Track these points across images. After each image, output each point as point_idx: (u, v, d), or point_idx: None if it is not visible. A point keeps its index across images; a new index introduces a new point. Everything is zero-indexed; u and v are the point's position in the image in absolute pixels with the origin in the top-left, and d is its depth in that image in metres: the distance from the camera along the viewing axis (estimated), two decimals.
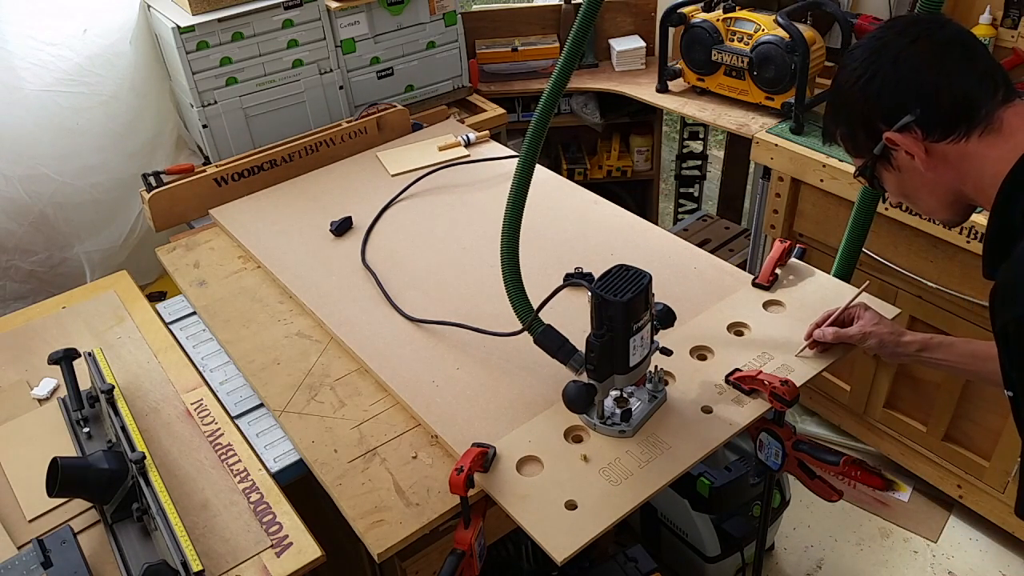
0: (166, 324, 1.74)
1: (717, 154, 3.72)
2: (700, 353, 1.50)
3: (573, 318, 1.45)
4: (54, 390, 1.56)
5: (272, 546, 1.24)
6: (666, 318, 1.37)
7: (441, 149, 2.22)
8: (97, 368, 1.49)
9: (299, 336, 1.65)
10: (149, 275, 2.38)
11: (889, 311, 1.51)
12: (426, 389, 1.47)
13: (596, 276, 1.25)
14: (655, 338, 1.32)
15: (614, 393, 1.36)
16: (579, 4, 1.72)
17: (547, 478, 1.27)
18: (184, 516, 1.26)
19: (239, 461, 1.38)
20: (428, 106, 2.57)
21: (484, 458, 1.27)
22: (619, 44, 2.81)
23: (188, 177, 2.08)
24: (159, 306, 1.82)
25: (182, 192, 2.06)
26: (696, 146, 3.31)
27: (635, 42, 2.82)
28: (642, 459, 1.29)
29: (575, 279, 1.60)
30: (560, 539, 1.17)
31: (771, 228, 2.36)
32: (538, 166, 1.50)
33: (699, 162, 3.31)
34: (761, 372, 1.37)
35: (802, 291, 1.61)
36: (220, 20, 2.16)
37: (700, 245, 2.13)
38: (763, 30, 2.28)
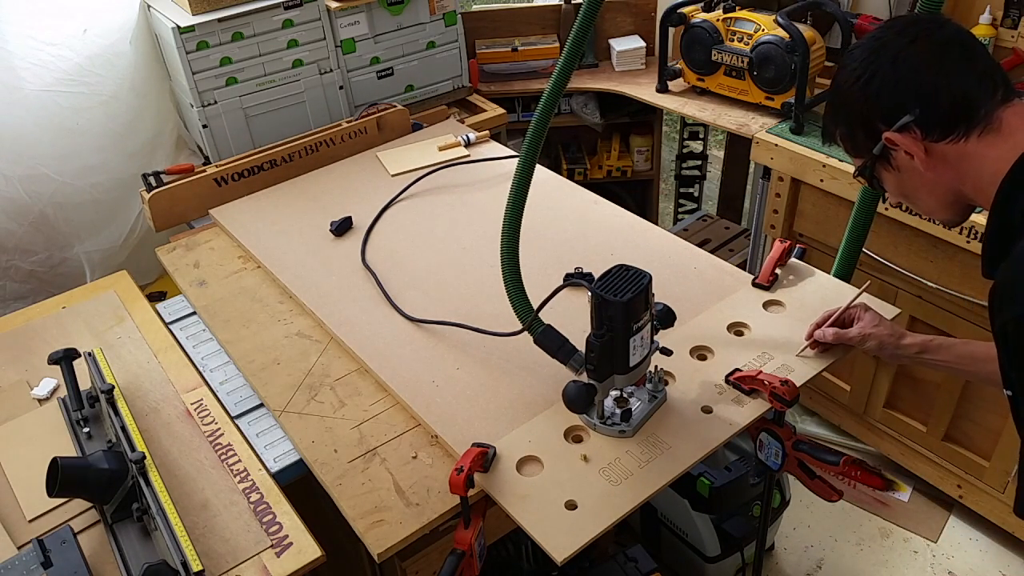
0: (166, 324, 1.74)
1: (717, 154, 3.72)
2: (700, 353, 1.50)
3: (573, 318, 1.45)
4: (54, 390, 1.56)
5: (272, 546, 1.24)
6: (666, 318, 1.37)
7: (441, 149, 2.22)
8: (97, 368, 1.50)
9: (299, 336, 1.65)
10: (149, 275, 2.38)
11: (889, 311, 1.51)
12: (426, 389, 1.47)
13: (596, 276, 1.25)
14: (655, 338, 1.32)
15: (614, 393, 1.36)
16: (579, 4, 1.72)
17: (547, 478, 1.27)
18: (184, 516, 1.26)
19: (239, 461, 1.38)
20: (428, 106, 2.57)
21: (484, 458, 1.27)
22: (619, 44, 2.81)
23: (188, 177, 2.08)
24: (159, 306, 1.82)
25: (182, 192, 2.06)
26: (696, 146, 3.31)
27: (635, 42, 2.82)
28: (642, 459, 1.29)
29: (575, 279, 1.60)
30: (560, 539, 1.17)
31: (771, 228, 2.36)
32: (538, 166, 1.50)
33: (699, 162, 3.31)
34: (761, 372, 1.37)
35: (802, 291, 1.61)
36: (220, 20, 2.16)
37: (700, 245, 2.13)
38: (763, 30, 2.28)
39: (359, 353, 1.57)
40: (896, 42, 1.07)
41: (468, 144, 2.25)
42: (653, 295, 1.26)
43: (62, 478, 1.21)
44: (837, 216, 2.16)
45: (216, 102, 2.25)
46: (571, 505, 1.22)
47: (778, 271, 1.64)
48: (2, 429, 1.48)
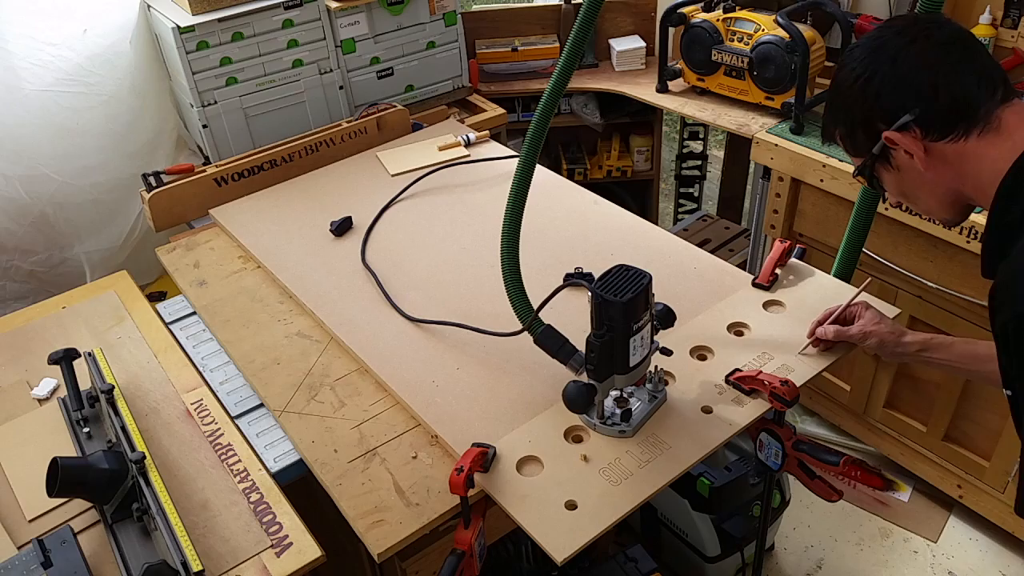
0: (166, 324, 1.74)
1: (717, 154, 3.72)
2: (700, 353, 1.50)
3: (573, 318, 1.45)
4: (54, 390, 1.56)
5: (272, 546, 1.24)
6: (666, 318, 1.37)
7: (441, 149, 2.22)
8: (97, 368, 1.50)
9: (299, 336, 1.65)
10: (149, 275, 2.38)
11: (889, 311, 1.51)
12: (426, 389, 1.47)
13: (596, 276, 1.25)
14: (655, 338, 1.32)
15: (614, 393, 1.35)
16: (579, 4, 1.72)
17: (547, 478, 1.27)
18: (184, 516, 1.26)
19: (239, 461, 1.38)
20: (428, 106, 2.57)
21: (484, 458, 1.27)
22: (619, 44, 2.81)
23: (188, 177, 2.08)
24: (159, 306, 1.82)
25: (182, 192, 2.06)
26: (696, 146, 3.31)
27: (635, 42, 2.82)
28: (642, 459, 1.29)
29: (575, 279, 1.60)
30: (560, 539, 1.17)
31: (771, 228, 2.36)
32: (538, 166, 1.50)
33: (699, 162, 3.31)
34: (761, 372, 1.37)
35: (802, 291, 1.61)
36: (220, 20, 2.16)
37: (700, 245, 2.13)
38: (763, 30, 2.28)
39: (359, 353, 1.57)
40: (896, 42, 1.07)
41: (468, 144, 2.25)
42: (653, 295, 1.26)
43: (62, 478, 1.21)
44: (837, 216, 2.16)
45: (216, 102, 2.25)
46: (571, 505, 1.22)
47: (778, 271, 1.64)
48: (2, 429, 1.48)
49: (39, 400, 1.54)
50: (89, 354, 1.53)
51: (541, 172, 2.02)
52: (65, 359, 1.48)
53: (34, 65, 2.12)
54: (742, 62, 2.34)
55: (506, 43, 2.85)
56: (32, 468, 1.33)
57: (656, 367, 1.38)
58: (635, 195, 3.23)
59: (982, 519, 2.22)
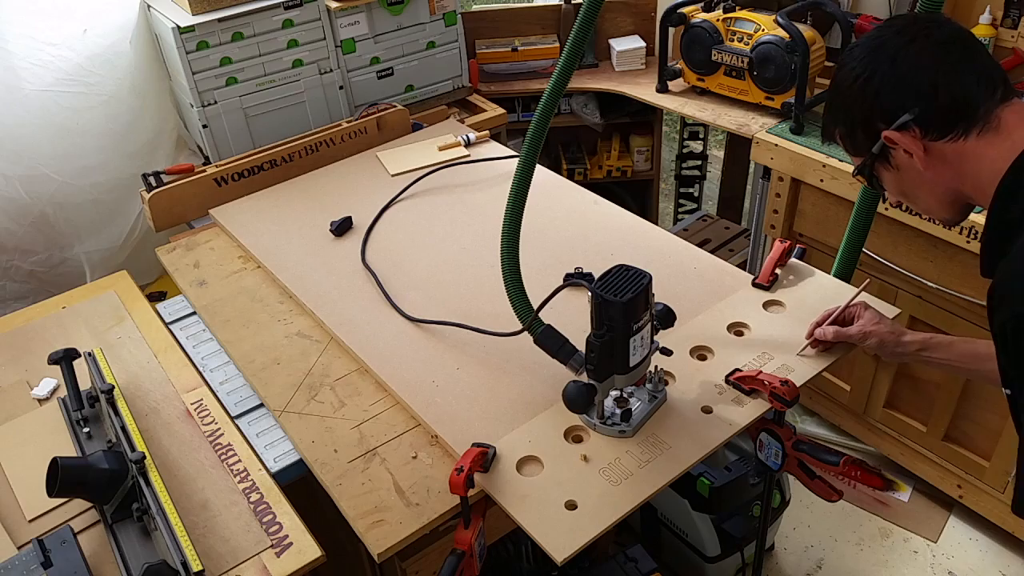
0: (166, 324, 1.74)
1: (717, 154, 3.72)
2: (700, 353, 1.50)
3: (573, 318, 1.45)
4: (54, 390, 1.56)
5: (272, 546, 1.24)
6: (666, 318, 1.37)
7: (441, 149, 2.22)
8: (97, 368, 1.50)
9: (299, 336, 1.65)
10: (149, 275, 2.38)
11: (889, 311, 1.51)
12: (426, 389, 1.47)
13: (596, 276, 1.25)
14: (655, 338, 1.32)
15: (614, 393, 1.35)
16: (579, 4, 1.72)
17: (547, 478, 1.27)
18: (184, 516, 1.26)
19: (239, 461, 1.38)
20: (428, 106, 2.57)
21: (484, 458, 1.27)
22: (619, 44, 2.81)
23: (188, 177, 2.08)
24: (159, 306, 1.82)
25: (182, 192, 2.06)
26: (696, 146, 3.31)
27: (635, 42, 2.82)
28: (642, 459, 1.29)
29: (575, 279, 1.60)
30: (560, 539, 1.17)
31: (771, 228, 2.36)
32: (538, 166, 1.50)
33: (699, 162, 3.31)
34: (761, 372, 1.37)
35: (802, 291, 1.61)
36: (220, 20, 2.16)
37: (700, 245, 2.13)
38: (763, 30, 2.28)
39: (359, 353, 1.57)
40: (895, 41, 1.07)
41: (468, 144, 2.25)
42: (653, 295, 1.26)
43: (62, 478, 1.21)
44: (837, 216, 2.16)
45: (216, 102, 2.25)
46: (571, 505, 1.22)
47: (778, 271, 1.64)
48: (2, 429, 1.48)
49: (39, 400, 1.54)
50: (89, 354, 1.53)
51: (541, 172, 2.02)
52: (65, 359, 1.48)
53: (34, 65, 2.12)
54: (742, 62, 2.34)
55: (506, 43, 2.86)
56: (32, 468, 1.33)
57: (656, 367, 1.38)
58: (635, 195, 3.23)
59: (982, 519, 2.22)
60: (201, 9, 2.15)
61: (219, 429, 1.45)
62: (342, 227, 1.92)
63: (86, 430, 1.43)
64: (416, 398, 1.45)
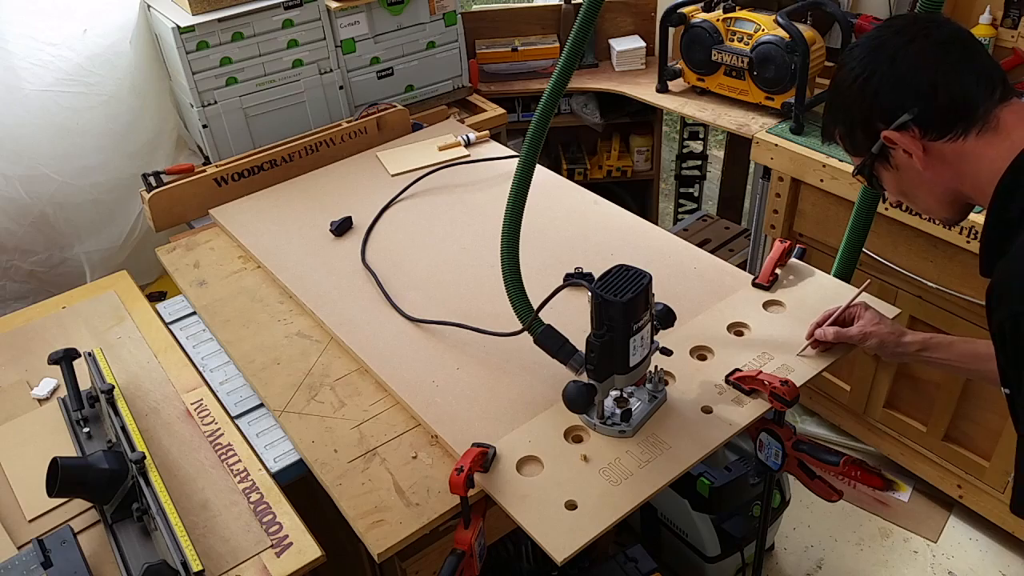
0: (166, 324, 1.74)
1: (717, 154, 3.72)
2: (700, 353, 1.50)
3: (573, 318, 1.45)
4: (54, 390, 1.56)
5: (272, 546, 1.24)
6: (666, 318, 1.37)
7: (441, 149, 2.22)
8: (97, 368, 1.50)
9: (299, 336, 1.66)
10: (149, 275, 2.38)
11: (889, 311, 1.51)
12: (426, 389, 1.47)
13: (596, 276, 1.25)
14: (655, 338, 1.32)
15: (614, 393, 1.36)
16: (579, 4, 1.72)
17: (547, 478, 1.27)
18: (184, 516, 1.26)
19: (239, 461, 1.38)
20: (428, 106, 2.58)
21: (484, 458, 1.27)
22: (619, 44, 2.81)
23: (188, 177, 2.08)
24: (159, 306, 1.82)
25: (182, 192, 2.06)
26: (696, 146, 3.31)
27: (635, 42, 2.82)
28: (642, 459, 1.29)
29: (575, 279, 1.60)
30: (560, 539, 1.17)
31: (771, 228, 2.36)
32: (538, 166, 1.50)
33: (699, 162, 3.31)
34: (761, 372, 1.37)
35: (802, 291, 1.61)
36: (220, 20, 2.16)
37: (700, 245, 2.13)
38: (763, 30, 2.28)
39: (359, 353, 1.57)
40: (894, 41, 1.07)
41: (468, 144, 2.25)
42: (653, 295, 1.26)
43: (62, 478, 1.21)
44: (837, 216, 2.16)
45: (216, 102, 2.25)
46: (571, 505, 1.22)
47: (778, 271, 1.64)
48: (2, 429, 1.48)
49: (39, 400, 1.54)
50: (89, 354, 1.53)
51: (541, 172, 2.02)
52: (65, 359, 1.48)
53: (34, 65, 2.12)
54: (742, 62, 2.34)
55: (506, 43, 2.86)
56: (32, 468, 1.33)
57: (656, 367, 1.38)
58: (635, 195, 3.23)
59: (982, 519, 2.22)
60: (201, 9, 2.15)
61: (219, 429, 1.45)
62: (342, 227, 1.92)
63: (86, 430, 1.43)
64: (416, 398, 1.45)
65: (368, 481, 1.32)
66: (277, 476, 1.37)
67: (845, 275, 1.61)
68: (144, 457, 1.27)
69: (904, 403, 2.28)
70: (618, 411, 1.34)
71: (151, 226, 2.08)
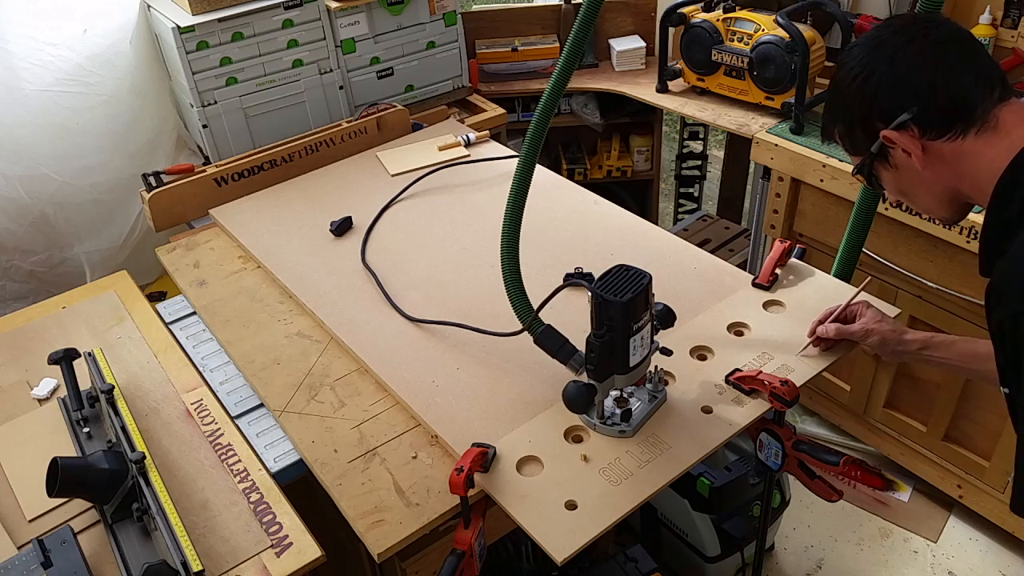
0: (166, 324, 1.74)
1: (717, 154, 3.72)
2: (700, 353, 1.50)
3: (573, 318, 1.45)
4: (54, 390, 1.56)
5: (272, 546, 1.24)
6: (666, 318, 1.37)
7: (441, 149, 2.22)
8: (97, 368, 1.50)
9: (299, 336, 1.66)
10: (149, 275, 2.38)
11: (889, 311, 1.51)
12: (426, 389, 1.47)
13: (596, 276, 1.25)
14: (655, 338, 1.32)
15: (614, 393, 1.36)
16: (579, 4, 1.72)
17: (547, 478, 1.27)
18: (184, 516, 1.26)
19: (239, 461, 1.38)
20: (428, 106, 2.58)
21: (484, 458, 1.27)
22: (619, 44, 2.81)
23: (188, 177, 2.08)
24: (159, 306, 1.82)
25: (182, 192, 2.06)
26: (696, 146, 3.31)
27: (635, 42, 2.82)
28: (642, 459, 1.29)
29: (575, 279, 1.60)
30: (560, 539, 1.17)
31: (771, 228, 2.36)
32: (538, 166, 1.50)
33: (699, 162, 3.31)
34: (761, 372, 1.37)
35: (802, 291, 1.61)
36: (220, 20, 2.16)
37: (700, 245, 2.13)
38: (763, 30, 2.28)
39: (359, 353, 1.57)
40: (893, 41, 1.08)
41: (468, 144, 2.25)
42: (653, 295, 1.26)
43: (62, 478, 1.21)
44: (837, 216, 2.16)
45: (216, 102, 2.26)
46: (571, 505, 1.22)
47: (778, 271, 1.64)
48: (2, 429, 1.48)
49: (39, 400, 1.55)
50: (89, 354, 1.53)
51: (541, 172, 2.02)
52: (65, 359, 1.48)
53: (34, 65, 2.13)
54: (742, 62, 2.34)
55: (506, 43, 2.86)
56: (32, 468, 1.33)
57: (656, 367, 1.38)
58: (635, 195, 3.23)
59: (982, 519, 2.22)
60: (201, 9, 2.15)
61: (219, 429, 1.45)
62: (342, 227, 1.92)
63: (86, 430, 1.43)
64: (416, 398, 1.45)
65: (368, 481, 1.32)
66: (277, 476, 1.37)
67: (845, 275, 1.61)
68: (144, 457, 1.27)
69: (904, 403, 2.28)
70: (618, 411, 1.34)
71: (151, 226, 2.08)
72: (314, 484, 1.37)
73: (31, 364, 1.63)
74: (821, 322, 1.46)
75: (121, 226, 2.34)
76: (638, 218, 1.91)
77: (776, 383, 1.32)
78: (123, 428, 1.36)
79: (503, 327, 1.50)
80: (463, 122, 2.48)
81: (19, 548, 1.26)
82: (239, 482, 1.34)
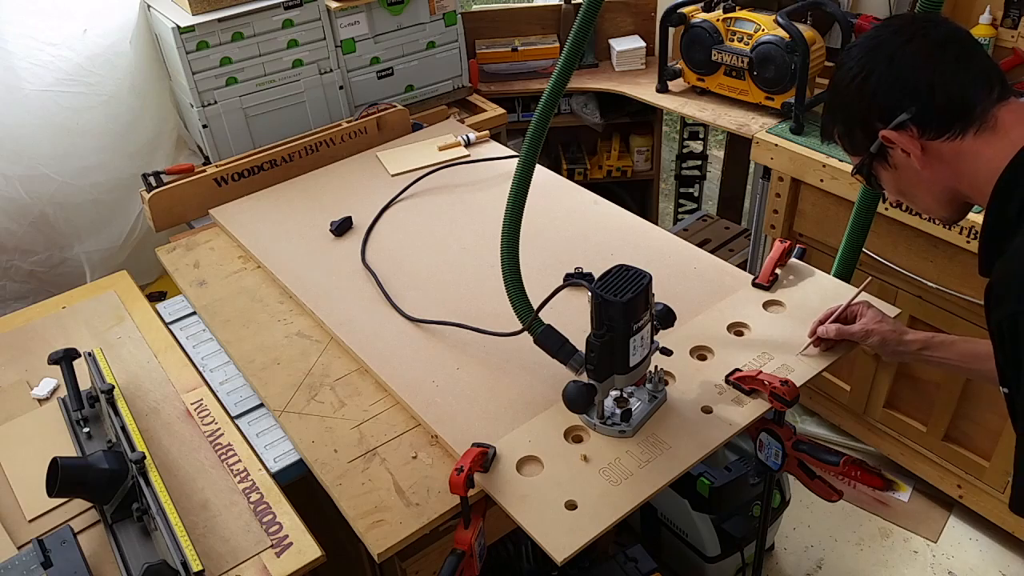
0: (166, 324, 1.74)
1: (717, 154, 3.72)
2: (700, 353, 1.50)
3: (573, 318, 1.45)
4: (54, 390, 1.56)
5: (272, 546, 1.24)
6: (666, 318, 1.37)
7: (441, 149, 2.22)
8: (97, 368, 1.50)
9: (299, 336, 1.66)
10: (149, 275, 2.38)
11: (889, 311, 1.51)
12: (426, 389, 1.47)
13: (596, 276, 1.25)
14: (655, 338, 1.32)
15: (614, 393, 1.36)
16: (579, 4, 1.72)
17: (547, 478, 1.27)
18: (184, 516, 1.26)
19: (239, 461, 1.38)
20: (428, 106, 2.58)
21: (484, 458, 1.27)
22: (619, 44, 2.82)
23: (188, 177, 2.08)
24: (159, 306, 1.82)
25: (182, 192, 2.06)
26: (696, 146, 3.31)
27: (635, 42, 2.82)
28: (642, 459, 1.29)
29: (575, 279, 1.60)
30: (560, 539, 1.17)
31: (771, 228, 2.36)
32: (538, 166, 1.50)
33: (699, 162, 3.32)
34: (761, 372, 1.37)
35: (802, 291, 1.61)
36: (220, 20, 2.16)
37: (700, 245, 2.14)
38: (763, 30, 2.28)
39: (359, 353, 1.57)
40: (892, 41, 1.08)
41: (468, 144, 2.25)
42: (653, 295, 1.26)
43: (62, 478, 1.21)
44: (837, 216, 2.16)
45: (216, 102, 2.26)
46: (571, 505, 1.22)
47: (778, 271, 1.64)
48: (2, 429, 1.48)
49: (39, 400, 1.55)
50: (89, 354, 1.53)
51: (541, 172, 2.02)
52: (65, 359, 1.48)
53: (34, 65, 2.13)
54: (742, 62, 2.34)
55: (506, 43, 2.86)
56: (32, 468, 1.33)
57: (656, 367, 1.38)
58: (635, 195, 3.23)
59: (982, 519, 2.22)
60: (201, 9, 2.15)
61: (219, 429, 1.45)
62: (342, 227, 1.92)
63: (86, 430, 1.43)
64: (416, 398, 1.45)
65: (368, 481, 1.32)
66: (277, 476, 1.37)
67: (845, 275, 1.61)
68: (144, 457, 1.27)
69: (904, 403, 2.28)
70: (618, 411, 1.34)
71: (151, 226, 2.08)
72: (314, 484, 1.37)
73: (31, 364, 1.63)
74: (821, 322, 1.46)
75: (121, 226, 2.34)
76: (638, 218, 1.91)
77: (776, 383, 1.32)
78: (123, 428, 1.36)
79: (503, 327, 1.50)
80: (463, 122, 2.48)
81: (19, 548, 1.26)
82: (239, 482, 1.35)
